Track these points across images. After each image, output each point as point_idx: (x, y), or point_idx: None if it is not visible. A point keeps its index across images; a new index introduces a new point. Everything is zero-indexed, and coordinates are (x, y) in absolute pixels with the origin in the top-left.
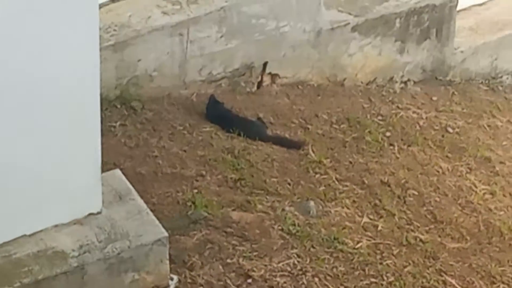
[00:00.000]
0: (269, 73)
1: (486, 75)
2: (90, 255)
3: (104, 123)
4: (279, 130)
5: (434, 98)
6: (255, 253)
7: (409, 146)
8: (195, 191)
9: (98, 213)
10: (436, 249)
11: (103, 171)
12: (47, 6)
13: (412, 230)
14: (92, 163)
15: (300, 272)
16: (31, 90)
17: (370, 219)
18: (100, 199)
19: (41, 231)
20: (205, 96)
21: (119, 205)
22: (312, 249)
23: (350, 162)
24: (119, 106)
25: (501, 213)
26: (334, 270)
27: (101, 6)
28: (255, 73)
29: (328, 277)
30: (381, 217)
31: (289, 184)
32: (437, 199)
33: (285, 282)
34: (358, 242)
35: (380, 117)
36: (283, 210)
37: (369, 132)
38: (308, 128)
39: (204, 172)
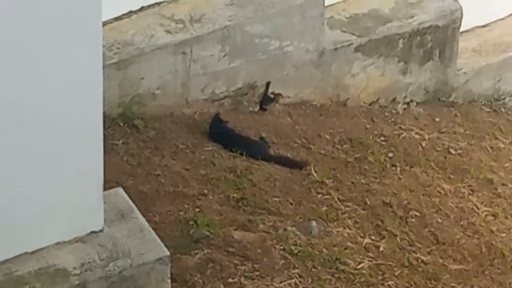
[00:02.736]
0: (272, 93)
1: (489, 96)
2: (91, 273)
3: (106, 141)
4: (282, 150)
5: (437, 119)
6: (256, 273)
7: (411, 167)
8: (197, 210)
9: (100, 231)
10: (437, 270)
11: (105, 189)
12: (51, 24)
13: (414, 251)
14: (94, 181)
15: None
16: (33, 107)
17: (372, 239)
18: (102, 217)
19: (42, 248)
20: (207, 115)
21: (121, 224)
22: (314, 270)
23: (352, 183)
24: (121, 124)
25: (503, 235)
26: None
27: (104, 24)
28: (258, 92)
29: None
30: (383, 238)
31: (291, 204)
32: (439, 220)
33: None
34: (359, 263)
35: (382, 138)
36: (285, 230)
37: (372, 152)
38: (311, 148)
39: (206, 191)
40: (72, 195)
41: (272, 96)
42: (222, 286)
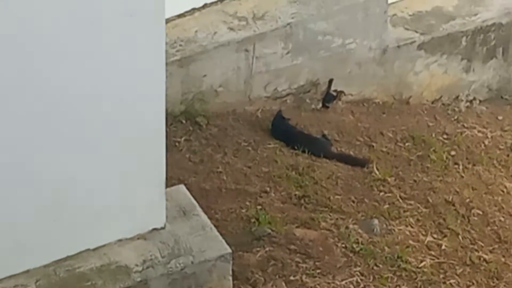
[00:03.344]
0: (335, 90)
1: None
2: (153, 270)
3: (169, 138)
4: (344, 148)
5: (500, 117)
6: (318, 271)
7: (474, 165)
8: (259, 207)
9: (162, 228)
10: (500, 269)
11: (167, 186)
12: (114, 22)
13: (476, 250)
14: (156, 178)
15: None
16: (96, 105)
17: (434, 238)
18: (164, 215)
19: (104, 245)
20: (270, 112)
21: (183, 221)
22: (375, 268)
23: (415, 181)
24: (184, 122)
25: None
26: None
27: (167, 21)
28: (321, 90)
29: None
30: (445, 236)
31: (353, 201)
32: (502, 218)
33: None
34: (421, 261)
35: (445, 136)
36: (346, 227)
37: (434, 150)
38: (373, 146)
39: (268, 189)
40: (134, 192)
41: (334, 94)
42: (283, 283)
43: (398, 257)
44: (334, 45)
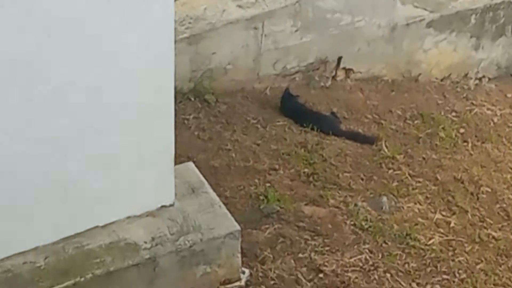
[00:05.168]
0: (344, 68)
1: None
2: (162, 248)
3: (177, 115)
4: (353, 125)
5: (509, 95)
6: (327, 248)
7: (483, 143)
8: (268, 185)
9: (171, 205)
10: (509, 246)
11: (176, 163)
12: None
13: (485, 227)
14: (165, 155)
15: (372, 268)
16: (107, 83)
17: (443, 215)
18: (173, 192)
19: (113, 222)
20: (279, 90)
21: (192, 198)
22: (384, 245)
23: (423, 158)
24: (193, 99)
25: None
26: (406, 266)
27: None
28: (330, 67)
29: (400, 273)
30: (454, 213)
31: (362, 179)
32: (511, 196)
33: (356, 277)
34: (430, 239)
35: (454, 114)
36: (355, 205)
37: (443, 128)
38: (382, 124)
39: (277, 166)
40: (143, 169)
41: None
42: (292, 261)
43: (406, 234)
44: (343, 23)
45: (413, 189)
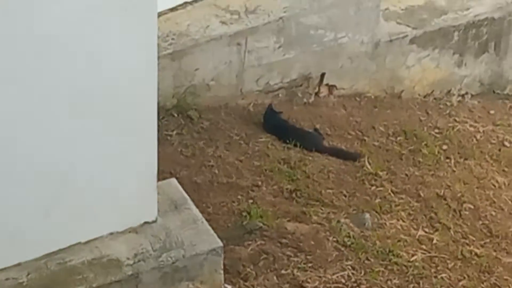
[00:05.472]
0: (327, 84)
1: None
2: (144, 264)
3: (160, 131)
4: (336, 142)
5: (492, 112)
6: (309, 265)
7: (465, 159)
8: (251, 201)
9: (153, 221)
10: (491, 263)
11: (159, 179)
12: (106, 14)
13: (468, 244)
14: (148, 171)
15: (355, 285)
16: (88, 98)
17: (426, 232)
18: (156, 208)
19: (96, 239)
20: (262, 106)
21: (175, 214)
22: (366, 261)
23: (406, 175)
24: (176, 115)
25: None
26: (389, 282)
27: (160, 14)
28: (313, 84)
29: None
30: (437, 230)
31: (345, 195)
32: (493, 213)
33: None
34: (413, 255)
35: (437, 130)
36: (338, 221)
37: (426, 145)
38: (365, 140)
39: (260, 183)
40: (126, 185)
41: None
42: (275, 277)
43: (389, 251)
44: (326, 39)
45: (395, 205)
